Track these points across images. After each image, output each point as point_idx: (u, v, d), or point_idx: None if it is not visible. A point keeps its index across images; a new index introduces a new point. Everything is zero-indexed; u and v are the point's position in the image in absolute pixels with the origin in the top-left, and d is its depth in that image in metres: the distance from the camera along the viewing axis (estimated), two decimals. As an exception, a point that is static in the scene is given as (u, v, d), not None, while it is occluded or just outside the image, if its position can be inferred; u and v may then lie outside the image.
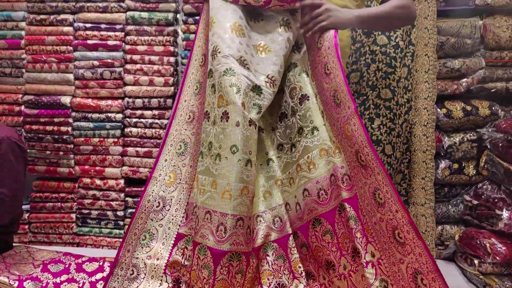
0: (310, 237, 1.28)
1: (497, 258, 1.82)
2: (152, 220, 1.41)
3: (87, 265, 1.84)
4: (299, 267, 1.27)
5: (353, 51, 2.04)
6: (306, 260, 1.31)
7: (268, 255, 1.26)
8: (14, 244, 1.98)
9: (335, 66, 1.24)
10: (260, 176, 1.39)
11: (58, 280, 1.70)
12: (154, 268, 1.37)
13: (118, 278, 1.37)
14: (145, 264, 1.38)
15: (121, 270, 1.38)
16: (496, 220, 1.91)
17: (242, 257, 1.21)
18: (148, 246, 1.39)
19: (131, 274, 1.37)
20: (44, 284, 1.65)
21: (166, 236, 1.39)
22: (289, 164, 1.38)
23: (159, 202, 1.42)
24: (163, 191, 1.42)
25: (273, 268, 1.24)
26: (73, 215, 2.31)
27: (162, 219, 1.41)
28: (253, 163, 1.25)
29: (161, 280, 1.35)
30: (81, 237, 2.33)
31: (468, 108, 2.11)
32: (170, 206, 1.42)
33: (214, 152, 1.27)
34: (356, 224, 1.15)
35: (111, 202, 2.29)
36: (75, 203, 2.31)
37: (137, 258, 1.39)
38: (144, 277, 1.36)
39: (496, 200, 1.94)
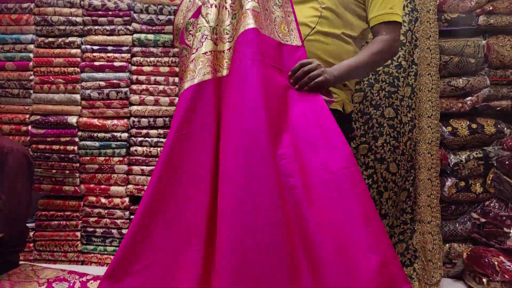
0: None
1: (506, 276, 1.81)
2: None
3: (91, 283, 1.84)
4: None
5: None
6: None
7: None
8: (19, 262, 1.99)
9: None
10: None
11: (62, 298, 1.70)
12: None
13: None
14: None
15: None
16: (504, 238, 1.90)
17: None
18: None
19: None
20: (49, 303, 1.65)
21: None
22: None
23: None
24: None
25: None
26: (78, 233, 2.32)
27: None
28: None
29: None
30: (86, 255, 2.33)
31: (474, 126, 2.11)
32: None
33: None
34: None
35: (116, 220, 2.30)
36: (80, 221, 2.32)
37: None
38: None
39: (504, 218, 1.92)
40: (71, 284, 1.81)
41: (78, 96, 2.30)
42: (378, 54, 1.42)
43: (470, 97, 2.14)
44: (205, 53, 1.28)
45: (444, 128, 2.11)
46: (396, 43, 1.48)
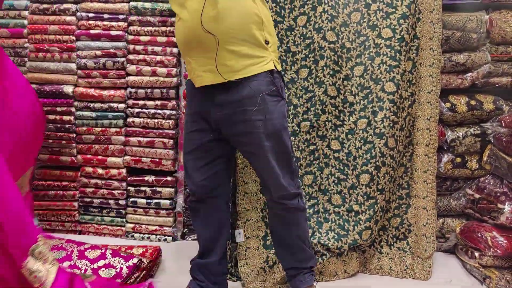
0: None
1: (498, 251, 1.84)
2: None
3: (89, 252, 1.84)
4: None
5: (358, 44, 2.02)
6: None
7: None
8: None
9: None
10: None
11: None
12: None
13: None
14: None
15: None
16: (497, 214, 1.92)
17: None
18: None
19: None
20: (46, 271, 1.66)
21: None
22: None
23: None
24: None
25: None
26: (76, 203, 2.33)
27: None
28: None
29: None
30: (84, 225, 2.35)
31: (473, 102, 2.10)
32: None
33: None
34: None
35: (113, 191, 2.31)
36: (77, 192, 2.33)
37: None
38: None
39: (498, 194, 1.94)
40: (69, 253, 1.82)
41: (74, 65, 2.26)
42: None
43: (470, 73, 2.12)
44: None
45: (442, 104, 2.10)
46: None
